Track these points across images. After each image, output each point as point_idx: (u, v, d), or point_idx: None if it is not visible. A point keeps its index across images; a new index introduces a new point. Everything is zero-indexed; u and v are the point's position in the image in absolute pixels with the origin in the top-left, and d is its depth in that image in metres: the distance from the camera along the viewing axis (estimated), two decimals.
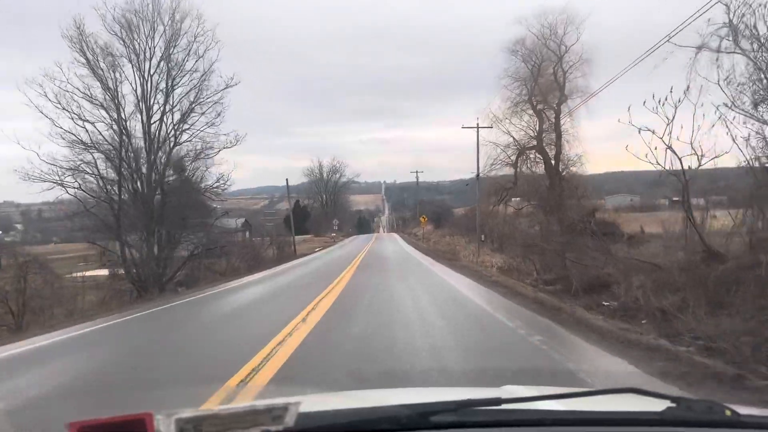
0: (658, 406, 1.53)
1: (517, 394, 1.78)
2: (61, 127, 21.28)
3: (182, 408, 1.17)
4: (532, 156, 29.34)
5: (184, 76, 23.73)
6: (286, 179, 46.09)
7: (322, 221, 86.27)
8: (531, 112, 28.90)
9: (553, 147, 28.11)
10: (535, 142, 28.59)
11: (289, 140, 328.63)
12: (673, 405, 1.53)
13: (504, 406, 1.51)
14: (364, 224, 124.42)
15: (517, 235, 22.92)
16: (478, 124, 31.18)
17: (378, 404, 1.63)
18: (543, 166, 28.33)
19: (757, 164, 9.87)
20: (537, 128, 28.65)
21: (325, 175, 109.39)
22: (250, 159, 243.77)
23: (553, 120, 28.05)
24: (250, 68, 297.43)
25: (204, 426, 1.16)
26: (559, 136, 27.41)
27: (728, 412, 1.52)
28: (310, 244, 56.56)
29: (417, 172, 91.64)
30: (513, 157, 29.41)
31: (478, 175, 31.24)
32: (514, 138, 28.94)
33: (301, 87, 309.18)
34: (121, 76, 22.53)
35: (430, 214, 63.50)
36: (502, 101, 29.03)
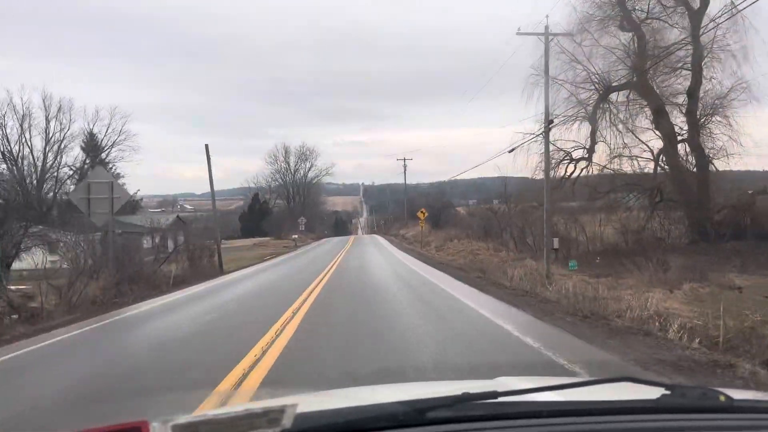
0: (652, 393, 1.56)
1: (513, 386, 1.85)
2: None
3: (177, 414, 1.18)
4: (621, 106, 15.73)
5: None
6: (207, 153, 29.93)
7: (286, 221, 69.16)
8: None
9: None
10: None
11: (265, 142, 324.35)
12: (668, 392, 1.56)
13: (500, 399, 1.52)
14: (341, 225, 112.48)
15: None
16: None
17: (374, 401, 1.63)
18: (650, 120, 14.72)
19: None
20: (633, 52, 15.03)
21: (291, 163, 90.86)
22: (226, 161, 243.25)
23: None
24: (223, 68, 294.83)
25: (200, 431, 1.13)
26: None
27: (722, 398, 1.54)
28: (260, 250, 43.96)
29: (405, 159, 71.96)
30: (591, 104, 15.72)
31: (547, 120, 16.85)
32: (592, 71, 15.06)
33: (274, 88, 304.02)
34: None
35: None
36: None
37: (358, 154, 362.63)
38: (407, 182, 79.41)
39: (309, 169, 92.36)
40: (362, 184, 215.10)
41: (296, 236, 53.27)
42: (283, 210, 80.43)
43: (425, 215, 38.06)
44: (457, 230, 37.04)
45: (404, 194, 69.69)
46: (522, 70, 27.57)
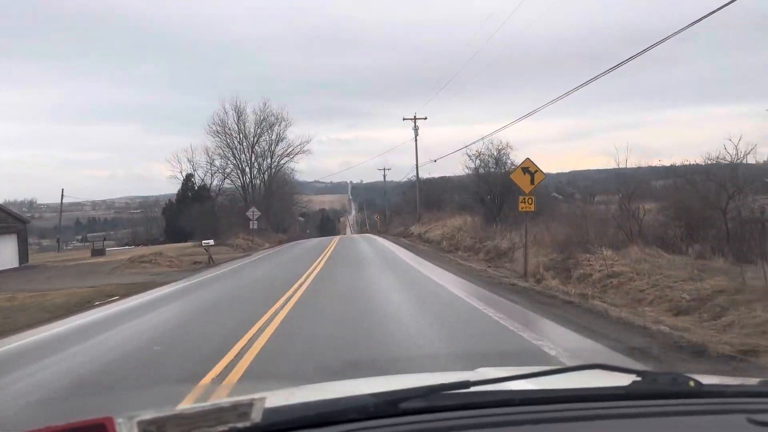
0: (624, 380, 1.64)
1: (488, 376, 1.91)
2: None
3: (144, 410, 1.19)
4: None
5: None
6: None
7: (235, 216, 42.02)
8: None
9: None
10: None
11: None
12: (639, 379, 1.65)
13: (473, 389, 1.58)
14: (327, 224, 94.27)
15: None
16: None
17: (347, 394, 1.66)
18: None
19: None
20: None
21: (250, 128, 62.35)
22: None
23: None
24: (203, 67, 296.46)
25: (168, 427, 1.17)
26: None
27: (692, 383, 1.63)
28: (124, 276, 24.83)
29: (415, 127, 52.34)
30: None
31: None
32: None
33: (255, 87, 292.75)
34: None
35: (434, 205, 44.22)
36: None
37: (343, 152, 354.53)
38: (397, 180, 64.40)
39: (276, 142, 65.13)
40: (350, 182, 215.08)
41: (209, 242, 32.39)
42: (236, 200, 52.34)
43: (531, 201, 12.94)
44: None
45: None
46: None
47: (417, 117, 50.33)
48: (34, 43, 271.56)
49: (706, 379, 1.68)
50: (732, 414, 1.51)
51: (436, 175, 59.70)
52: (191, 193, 56.30)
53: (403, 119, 50.96)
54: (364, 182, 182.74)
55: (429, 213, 43.57)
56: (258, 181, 62.04)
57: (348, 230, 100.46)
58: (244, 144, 60.02)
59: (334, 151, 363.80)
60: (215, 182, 59.37)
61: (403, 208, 62.14)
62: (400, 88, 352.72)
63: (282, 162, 62.97)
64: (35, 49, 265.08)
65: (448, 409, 1.49)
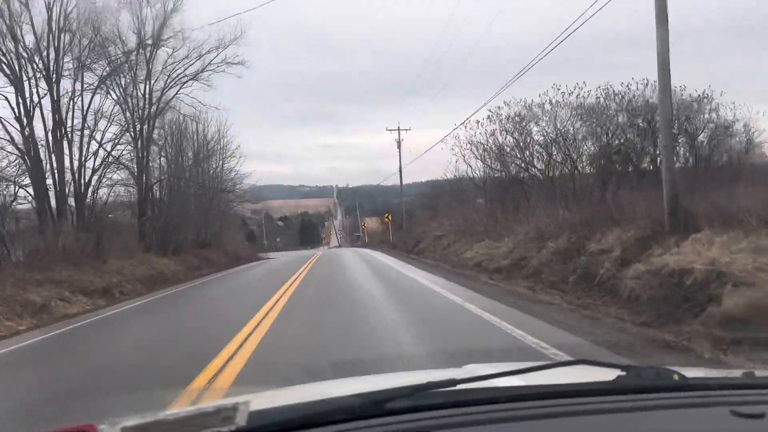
0: (608, 375, 1.68)
1: (475, 372, 1.94)
2: None
3: (126, 416, 1.19)
4: None
5: None
6: None
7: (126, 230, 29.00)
8: None
9: None
10: None
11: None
12: (623, 373, 1.68)
13: (459, 387, 1.59)
14: (309, 231, 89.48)
15: None
16: None
17: (333, 395, 1.67)
18: None
19: None
20: None
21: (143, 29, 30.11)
22: None
23: None
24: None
25: None
26: None
27: (676, 377, 1.68)
28: None
29: (399, 140, 51.24)
30: None
31: None
32: None
33: (233, 88, 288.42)
34: None
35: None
36: None
37: (328, 157, 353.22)
38: (384, 185, 56.96)
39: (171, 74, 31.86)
40: (336, 186, 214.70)
41: None
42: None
43: None
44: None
45: (374, 203, 60.50)
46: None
47: (401, 128, 49.92)
48: None
49: (690, 372, 1.73)
50: (716, 407, 1.54)
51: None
52: None
53: (387, 129, 50.06)
54: (351, 186, 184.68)
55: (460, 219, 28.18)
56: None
57: (334, 238, 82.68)
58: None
59: (318, 156, 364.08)
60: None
61: (412, 212, 50.23)
62: (388, 94, 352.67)
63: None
64: None
65: (434, 408, 1.50)
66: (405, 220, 46.98)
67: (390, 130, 50.66)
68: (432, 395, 1.54)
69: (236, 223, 57.03)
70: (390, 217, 52.20)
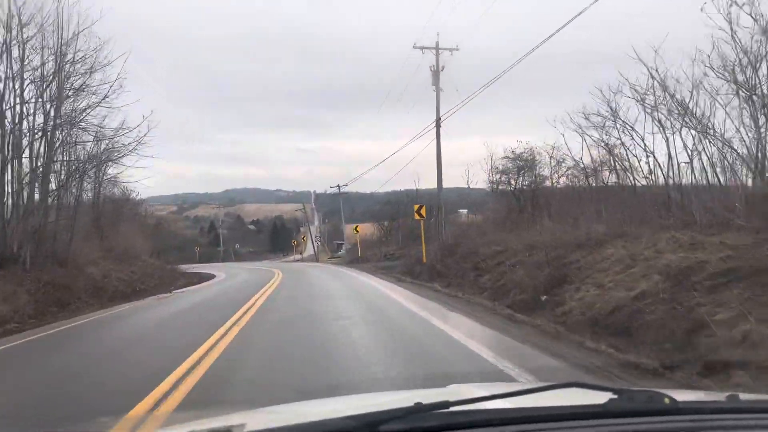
0: (600, 398, 1.66)
1: (464, 394, 1.97)
2: None
3: None
4: None
5: None
6: None
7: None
8: None
9: None
10: None
11: (206, 147, 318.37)
12: (615, 396, 1.66)
13: (452, 409, 1.59)
14: (281, 235, 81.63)
15: None
16: None
17: (324, 417, 1.65)
18: None
19: None
20: None
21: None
22: (159, 165, 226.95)
23: None
24: (154, 69, 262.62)
25: None
26: None
27: (667, 400, 1.66)
28: None
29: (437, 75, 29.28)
30: None
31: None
32: None
33: (211, 94, 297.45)
34: None
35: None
36: None
37: (306, 161, 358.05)
38: (362, 191, 55.10)
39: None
40: (314, 191, 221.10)
41: None
42: None
43: None
44: None
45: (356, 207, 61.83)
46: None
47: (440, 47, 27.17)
48: None
49: (681, 396, 1.72)
50: (707, 431, 1.57)
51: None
52: None
53: (414, 47, 33.10)
54: (328, 192, 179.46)
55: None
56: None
57: (309, 246, 68.34)
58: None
59: (295, 161, 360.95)
60: None
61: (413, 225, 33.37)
62: (365, 102, 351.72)
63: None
64: None
65: (428, 430, 1.50)
66: (443, 224, 28.25)
67: (419, 48, 28.69)
68: (426, 417, 1.54)
69: (141, 221, 36.92)
70: (424, 212, 25.83)
